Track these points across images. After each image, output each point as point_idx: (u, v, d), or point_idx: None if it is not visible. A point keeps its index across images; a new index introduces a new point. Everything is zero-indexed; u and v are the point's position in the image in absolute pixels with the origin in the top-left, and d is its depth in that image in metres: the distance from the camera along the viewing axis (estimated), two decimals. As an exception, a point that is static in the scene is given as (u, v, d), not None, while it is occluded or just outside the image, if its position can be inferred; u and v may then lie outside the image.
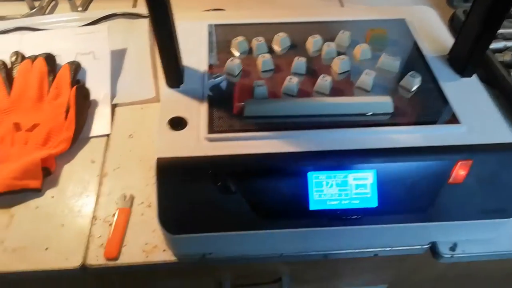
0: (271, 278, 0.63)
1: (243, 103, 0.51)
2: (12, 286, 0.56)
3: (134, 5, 0.91)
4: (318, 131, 0.49)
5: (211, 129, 0.49)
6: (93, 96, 0.68)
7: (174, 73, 0.53)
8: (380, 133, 0.49)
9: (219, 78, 0.56)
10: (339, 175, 0.48)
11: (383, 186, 0.48)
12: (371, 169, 0.48)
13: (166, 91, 0.54)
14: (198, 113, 0.51)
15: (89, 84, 0.69)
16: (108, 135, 0.64)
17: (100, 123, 0.65)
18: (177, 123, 0.49)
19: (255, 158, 0.47)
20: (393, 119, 0.51)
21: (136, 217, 0.53)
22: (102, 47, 0.75)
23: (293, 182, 0.47)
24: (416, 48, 0.62)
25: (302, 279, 0.66)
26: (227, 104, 0.52)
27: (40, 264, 0.49)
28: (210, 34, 0.63)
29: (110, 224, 0.53)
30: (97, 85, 0.69)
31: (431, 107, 0.53)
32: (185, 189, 0.46)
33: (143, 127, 0.65)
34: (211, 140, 0.48)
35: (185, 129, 0.49)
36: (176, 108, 0.51)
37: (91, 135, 0.64)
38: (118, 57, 0.75)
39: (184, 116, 0.50)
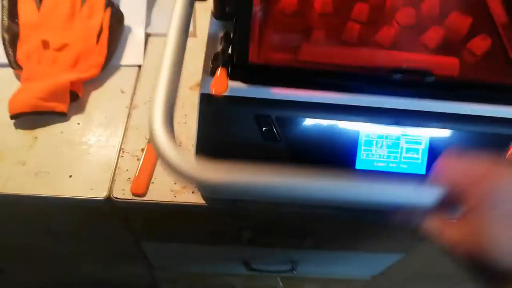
0: (296, 235, 0.61)
1: (298, 45, 0.47)
2: (31, 210, 0.54)
3: None
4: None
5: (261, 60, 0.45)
6: (126, 22, 0.63)
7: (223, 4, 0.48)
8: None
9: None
10: (391, 136, 0.44)
11: (434, 153, 0.45)
12: (426, 133, 0.44)
13: (214, 23, 0.49)
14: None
15: (124, 8, 0.64)
16: (139, 66, 0.60)
17: (132, 52, 0.61)
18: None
19: (306, 106, 0.43)
20: (457, 83, 0.47)
21: (166, 155, 0.50)
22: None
23: (342, 137, 0.43)
24: (488, 11, 0.56)
25: (327, 239, 0.64)
26: (280, 39, 0.48)
27: (63, 191, 0.47)
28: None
29: (138, 159, 0.50)
30: (132, 11, 0.64)
31: (499, 74, 0.48)
32: (228, 131, 0.43)
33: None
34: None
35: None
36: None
37: (122, 63, 0.60)
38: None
39: (232, 51, 0.46)
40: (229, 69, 0.43)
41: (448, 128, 0.45)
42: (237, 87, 0.43)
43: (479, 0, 0.55)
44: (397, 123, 0.45)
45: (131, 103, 0.55)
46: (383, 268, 0.77)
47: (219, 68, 0.43)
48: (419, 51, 0.51)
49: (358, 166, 0.44)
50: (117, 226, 0.57)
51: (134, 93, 0.57)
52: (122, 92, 0.56)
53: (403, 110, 0.45)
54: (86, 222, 0.56)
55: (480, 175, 0.29)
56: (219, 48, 0.46)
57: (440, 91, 0.45)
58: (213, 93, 0.42)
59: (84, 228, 0.59)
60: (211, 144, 0.43)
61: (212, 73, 0.43)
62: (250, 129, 0.43)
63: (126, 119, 0.54)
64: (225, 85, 0.42)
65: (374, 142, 0.44)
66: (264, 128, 0.43)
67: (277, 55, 0.49)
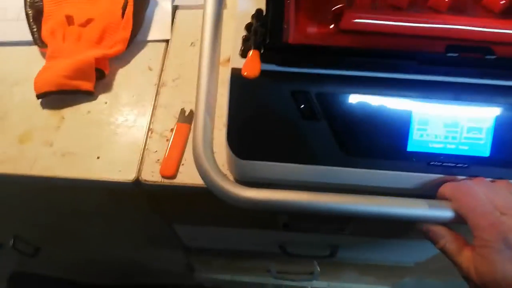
0: (337, 221, 0.57)
1: (340, 11, 0.41)
2: (59, 191, 0.52)
3: None
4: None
5: (298, 38, 0.40)
6: (153, -7, 0.60)
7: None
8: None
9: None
10: (450, 113, 0.38)
11: (501, 133, 0.39)
12: (492, 110, 0.38)
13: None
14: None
15: (149, -21, 0.60)
16: (167, 41, 0.56)
17: (159, 26, 0.57)
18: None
19: (350, 80, 0.38)
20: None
21: (196, 135, 0.47)
22: None
23: (391, 115, 0.38)
24: None
25: (370, 227, 0.59)
26: (317, 12, 0.43)
27: (91, 173, 0.45)
28: None
29: (167, 140, 0.47)
30: (158, -19, 0.60)
31: None
32: (262, 109, 0.38)
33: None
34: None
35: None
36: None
37: (149, 38, 0.56)
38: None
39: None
40: (262, 51, 0.38)
41: (518, 104, 0.38)
42: (271, 70, 0.39)
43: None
44: (457, 98, 0.39)
45: (159, 81, 0.52)
46: (429, 255, 0.71)
47: (251, 51, 0.39)
48: (481, 15, 0.44)
49: (410, 147, 0.39)
50: (147, 209, 0.55)
51: (162, 70, 0.53)
52: (150, 69, 0.53)
53: (463, 84, 0.39)
54: (116, 204, 0.55)
55: (498, 216, 0.33)
56: (250, 26, 0.41)
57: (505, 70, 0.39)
58: (245, 76, 0.38)
59: (114, 210, 0.57)
60: (243, 127, 0.39)
61: (244, 55, 0.39)
62: (286, 107, 0.39)
63: (154, 98, 0.51)
64: (258, 69, 0.38)
65: (429, 120, 0.39)
66: (302, 106, 0.39)
67: (316, 29, 0.44)
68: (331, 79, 0.39)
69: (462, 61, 0.38)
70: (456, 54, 0.37)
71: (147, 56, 0.55)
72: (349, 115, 0.39)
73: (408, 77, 0.39)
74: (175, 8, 0.60)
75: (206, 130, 0.38)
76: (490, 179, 0.38)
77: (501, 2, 0.43)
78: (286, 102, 0.39)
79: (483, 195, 0.35)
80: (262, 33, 0.40)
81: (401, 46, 0.42)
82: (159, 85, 0.52)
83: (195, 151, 0.37)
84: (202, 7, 0.51)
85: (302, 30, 0.44)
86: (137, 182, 0.44)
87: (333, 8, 0.45)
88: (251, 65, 0.38)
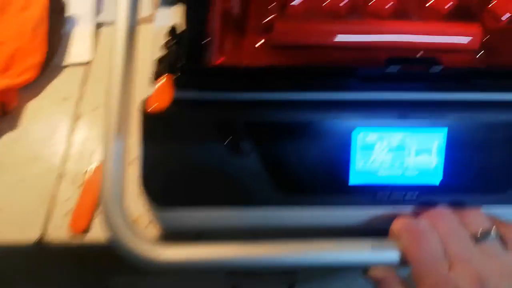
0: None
1: (269, 23, 0.36)
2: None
3: None
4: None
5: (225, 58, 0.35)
6: (71, 10, 0.53)
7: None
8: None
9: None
10: (395, 134, 0.34)
11: (455, 153, 0.34)
12: (441, 126, 0.33)
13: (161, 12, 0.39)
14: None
15: (65, -6, 0.54)
16: (88, 63, 0.49)
17: (78, 47, 0.51)
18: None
19: (282, 105, 0.33)
20: (480, 59, 0.36)
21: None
22: None
23: (331, 142, 0.33)
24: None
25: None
26: (248, 24, 0.37)
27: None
28: None
29: (81, 185, 0.40)
30: (76, -4, 0.54)
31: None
32: (181, 145, 0.33)
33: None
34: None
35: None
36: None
37: (65, 63, 0.50)
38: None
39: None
40: (177, 75, 0.32)
41: (470, 118, 0.34)
42: (190, 97, 0.33)
43: None
44: (402, 117, 0.34)
45: (76, 112, 0.46)
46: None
47: (163, 76, 0.33)
48: (428, 19, 0.40)
49: (352, 181, 0.34)
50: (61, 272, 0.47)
51: (80, 98, 0.47)
52: (65, 99, 0.47)
53: (408, 101, 0.34)
54: (21, 268, 0.47)
55: (445, 273, 0.29)
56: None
57: (456, 68, 0.34)
58: (151, 110, 0.32)
59: (24, 275, 0.49)
60: (160, 168, 0.33)
61: (156, 82, 0.33)
62: (210, 141, 0.33)
63: (69, 133, 0.44)
64: (169, 99, 0.32)
65: (372, 145, 0.34)
66: (228, 139, 0.33)
67: (247, 46, 0.38)
68: (260, 105, 0.34)
69: (404, 75, 0.33)
70: (396, 68, 0.32)
71: (64, 83, 0.48)
72: (283, 146, 0.34)
73: (347, 98, 0.34)
74: (100, 25, 0.53)
75: (116, 175, 0.32)
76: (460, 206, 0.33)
77: (449, 3, 0.39)
78: (209, 136, 0.33)
79: (435, 241, 0.30)
80: (177, 54, 0.34)
81: (340, 61, 0.37)
82: (76, 117, 0.45)
83: (102, 201, 0.31)
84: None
85: (229, 48, 0.38)
86: (40, 244, 0.37)
87: (264, 21, 0.39)
88: (161, 95, 0.32)
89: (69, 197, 0.39)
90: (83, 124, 0.45)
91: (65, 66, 0.49)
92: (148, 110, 0.32)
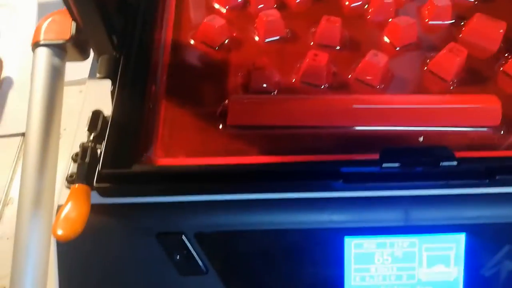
0: None
1: (225, 103, 0.28)
2: None
3: None
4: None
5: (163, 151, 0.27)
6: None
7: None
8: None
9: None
10: (400, 240, 0.26)
11: (477, 260, 0.27)
12: (459, 231, 0.26)
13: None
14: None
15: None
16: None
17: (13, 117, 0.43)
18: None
19: (244, 206, 0.26)
20: (500, 140, 0.28)
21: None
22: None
23: (316, 252, 0.27)
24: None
25: None
26: (198, 102, 0.30)
27: None
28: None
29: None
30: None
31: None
32: (115, 271, 0.25)
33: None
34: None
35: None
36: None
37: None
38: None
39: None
40: (92, 184, 0.24)
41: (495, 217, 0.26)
42: (118, 203, 0.24)
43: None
44: (408, 219, 0.26)
45: (5, 199, 0.38)
46: None
47: (75, 185, 0.23)
48: (429, 89, 0.31)
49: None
50: None
51: (11, 179, 0.39)
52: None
53: (414, 197, 0.26)
54: None
55: None
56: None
57: (472, 153, 0.27)
58: (58, 237, 0.22)
59: None
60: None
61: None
62: (153, 261, 0.25)
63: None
64: (82, 221, 0.22)
65: (372, 255, 0.26)
66: (177, 257, 0.25)
67: (199, 134, 0.29)
68: (212, 207, 0.26)
69: (405, 172, 0.25)
70: (395, 165, 0.24)
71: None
72: (252, 261, 0.27)
73: (332, 195, 0.26)
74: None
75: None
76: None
77: (455, 65, 0.31)
78: (151, 253, 0.26)
79: None
80: (99, 152, 0.25)
81: (318, 151, 0.28)
82: (4, 204, 0.37)
83: None
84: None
85: (174, 139, 0.29)
86: None
87: (219, 111, 0.29)
88: (71, 215, 0.23)
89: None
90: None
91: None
92: (56, 236, 0.22)
